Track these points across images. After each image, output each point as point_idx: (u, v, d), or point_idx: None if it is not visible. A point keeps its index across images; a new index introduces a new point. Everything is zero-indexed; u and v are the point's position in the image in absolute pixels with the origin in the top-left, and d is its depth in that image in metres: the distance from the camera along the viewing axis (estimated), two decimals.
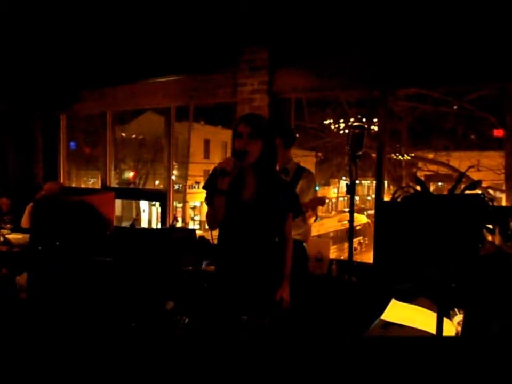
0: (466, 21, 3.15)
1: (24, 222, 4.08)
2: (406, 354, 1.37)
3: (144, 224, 17.49)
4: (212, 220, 2.19)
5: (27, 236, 3.97)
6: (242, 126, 2.11)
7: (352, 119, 9.30)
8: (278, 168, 3.07)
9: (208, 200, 2.17)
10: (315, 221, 3.16)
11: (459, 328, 1.79)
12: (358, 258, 10.69)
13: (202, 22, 4.08)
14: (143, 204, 18.10)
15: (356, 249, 14.21)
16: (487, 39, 3.10)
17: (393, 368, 1.35)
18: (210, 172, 2.23)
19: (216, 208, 2.11)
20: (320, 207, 3.21)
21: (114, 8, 4.13)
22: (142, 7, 4.07)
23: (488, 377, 1.27)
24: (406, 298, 2.00)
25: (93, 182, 17.02)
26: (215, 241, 2.27)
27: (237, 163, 2.06)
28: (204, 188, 2.22)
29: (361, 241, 16.93)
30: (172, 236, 3.81)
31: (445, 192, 1.74)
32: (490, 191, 8.12)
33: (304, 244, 3.13)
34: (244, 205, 2.13)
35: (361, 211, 18.57)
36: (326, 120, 10.08)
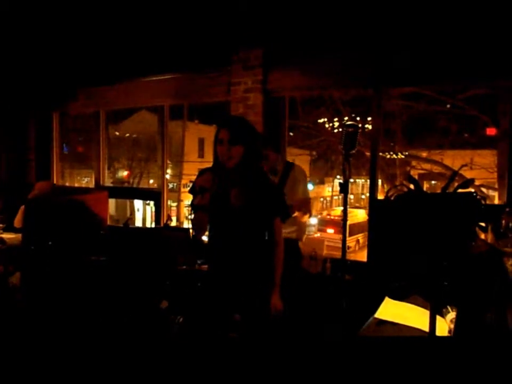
0: (458, 20, 3.16)
1: (17, 221, 4.05)
2: (400, 354, 1.37)
3: (138, 223, 17.44)
4: (198, 228, 2.21)
5: (19, 235, 3.95)
6: (223, 132, 2.09)
7: (346, 118, 9.32)
8: (265, 168, 3.12)
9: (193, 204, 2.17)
10: (309, 217, 3.19)
11: (452, 326, 1.80)
12: None
13: (196, 20, 4.06)
14: (137, 203, 18.04)
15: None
16: (479, 38, 3.11)
17: (388, 367, 1.36)
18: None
19: (199, 224, 2.15)
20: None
21: (108, 6, 4.11)
22: (136, 5, 4.04)
23: (481, 376, 1.28)
24: (399, 296, 2.01)
25: (86, 181, 16.94)
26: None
27: (216, 180, 2.08)
28: (190, 192, 2.22)
29: None
30: (166, 235, 3.80)
31: (438, 191, 1.74)
32: (483, 189, 8.17)
33: (299, 243, 3.14)
34: (231, 210, 2.12)
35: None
36: (320, 119, 10.08)
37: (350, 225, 13.60)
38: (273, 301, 2.14)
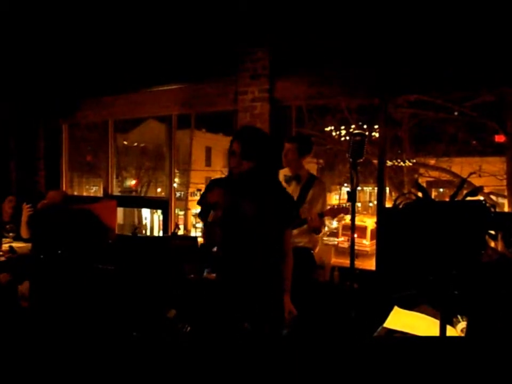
0: (464, 28, 3.17)
1: (23, 232, 4.11)
2: (411, 355, 1.36)
3: (146, 232, 17.49)
4: (211, 242, 2.24)
5: (30, 244, 3.97)
6: (236, 144, 2.12)
7: (353, 126, 9.32)
8: (290, 173, 3.12)
9: (202, 216, 2.18)
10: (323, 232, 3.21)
11: (462, 335, 1.78)
12: None
13: (203, 30, 4.11)
14: (145, 212, 18.11)
15: None
16: (484, 44, 3.12)
17: (399, 368, 1.34)
18: (208, 181, 2.26)
19: (212, 238, 2.17)
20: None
21: (115, 16, 4.17)
22: (143, 16, 4.10)
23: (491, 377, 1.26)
24: (408, 305, 1.99)
25: (95, 190, 17.06)
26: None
27: (227, 192, 2.10)
28: (198, 203, 2.23)
29: None
30: (173, 244, 3.80)
31: (447, 199, 1.73)
32: (493, 197, 8.11)
33: (312, 252, 3.13)
34: (242, 220, 2.13)
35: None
36: (327, 127, 10.10)
37: (372, 230, 14.05)
38: (286, 306, 2.18)
